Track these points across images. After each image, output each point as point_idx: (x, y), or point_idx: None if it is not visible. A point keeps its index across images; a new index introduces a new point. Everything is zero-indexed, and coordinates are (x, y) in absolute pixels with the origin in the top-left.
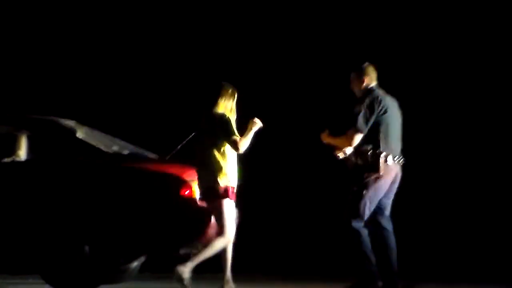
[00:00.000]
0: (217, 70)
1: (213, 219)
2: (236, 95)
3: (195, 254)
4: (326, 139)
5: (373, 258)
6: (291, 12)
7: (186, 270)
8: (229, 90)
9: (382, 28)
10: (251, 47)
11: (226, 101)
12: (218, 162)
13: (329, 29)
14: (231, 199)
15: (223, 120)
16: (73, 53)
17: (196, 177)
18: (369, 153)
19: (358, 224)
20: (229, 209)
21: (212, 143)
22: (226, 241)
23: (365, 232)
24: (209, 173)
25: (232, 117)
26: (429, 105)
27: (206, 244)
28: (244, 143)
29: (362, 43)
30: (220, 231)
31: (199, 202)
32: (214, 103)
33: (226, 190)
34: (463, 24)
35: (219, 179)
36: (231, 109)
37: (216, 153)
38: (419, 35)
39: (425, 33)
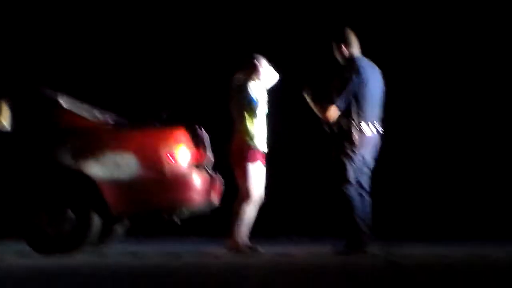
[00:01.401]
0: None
1: (197, 184)
2: None
3: (231, 227)
4: (308, 97)
5: (364, 223)
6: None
7: (235, 244)
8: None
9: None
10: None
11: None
12: (249, 125)
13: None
14: (261, 163)
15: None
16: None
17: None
18: (344, 124)
19: (351, 190)
20: (258, 173)
21: (243, 107)
22: (252, 204)
23: (357, 198)
24: (240, 136)
25: None
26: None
27: (234, 213)
28: None
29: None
30: (245, 195)
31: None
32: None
33: (255, 153)
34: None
35: (250, 143)
36: None
37: (247, 116)
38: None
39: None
